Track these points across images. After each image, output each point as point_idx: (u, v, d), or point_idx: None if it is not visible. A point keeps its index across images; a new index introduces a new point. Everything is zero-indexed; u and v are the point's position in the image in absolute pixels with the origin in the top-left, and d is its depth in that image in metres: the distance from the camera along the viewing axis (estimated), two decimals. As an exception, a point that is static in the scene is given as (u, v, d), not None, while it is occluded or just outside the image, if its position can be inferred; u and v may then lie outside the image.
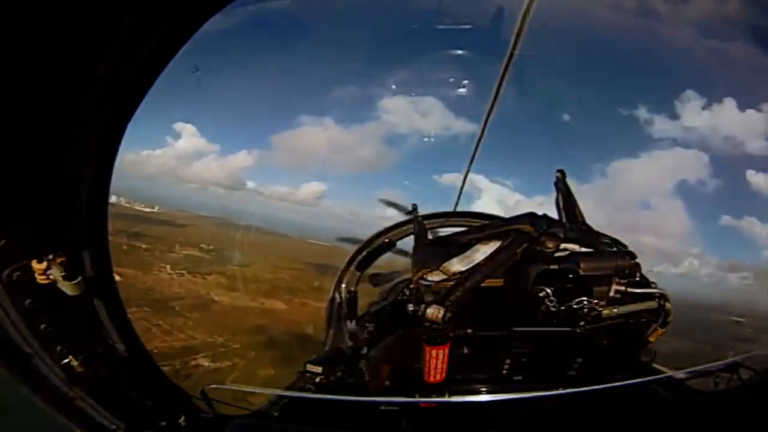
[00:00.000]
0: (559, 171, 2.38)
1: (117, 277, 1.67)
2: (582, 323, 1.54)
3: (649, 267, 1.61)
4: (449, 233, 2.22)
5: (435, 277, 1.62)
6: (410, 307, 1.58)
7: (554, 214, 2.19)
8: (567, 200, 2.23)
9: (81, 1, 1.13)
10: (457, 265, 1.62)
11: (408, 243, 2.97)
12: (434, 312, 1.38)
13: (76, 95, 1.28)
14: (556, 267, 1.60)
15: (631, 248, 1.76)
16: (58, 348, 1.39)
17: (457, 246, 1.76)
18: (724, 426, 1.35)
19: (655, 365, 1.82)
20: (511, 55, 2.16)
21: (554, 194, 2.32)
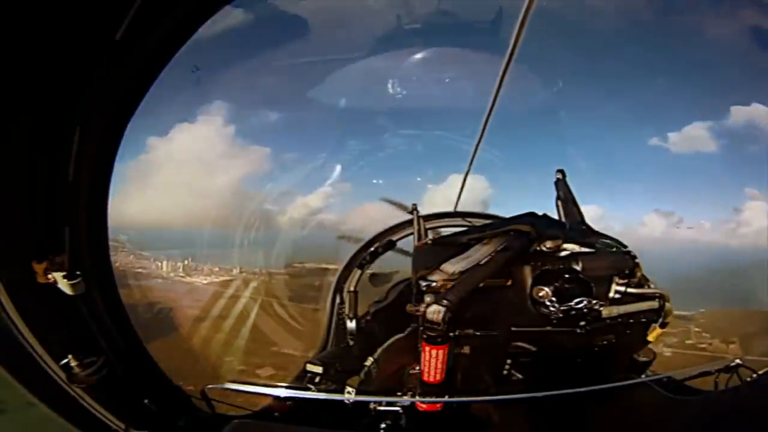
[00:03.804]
0: (559, 171, 2.38)
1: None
2: (582, 323, 1.54)
3: None
4: (449, 233, 2.22)
5: (435, 277, 1.62)
6: (410, 307, 1.58)
7: (554, 214, 2.19)
8: (567, 200, 2.23)
9: (81, 1, 1.12)
10: (457, 265, 1.62)
11: (408, 243, 2.97)
12: (434, 312, 1.38)
13: (76, 95, 1.28)
14: (556, 267, 1.60)
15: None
16: (58, 348, 1.39)
17: (457, 246, 1.76)
18: (724, 426, 1.34)
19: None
20: (511, 55, 2.16)
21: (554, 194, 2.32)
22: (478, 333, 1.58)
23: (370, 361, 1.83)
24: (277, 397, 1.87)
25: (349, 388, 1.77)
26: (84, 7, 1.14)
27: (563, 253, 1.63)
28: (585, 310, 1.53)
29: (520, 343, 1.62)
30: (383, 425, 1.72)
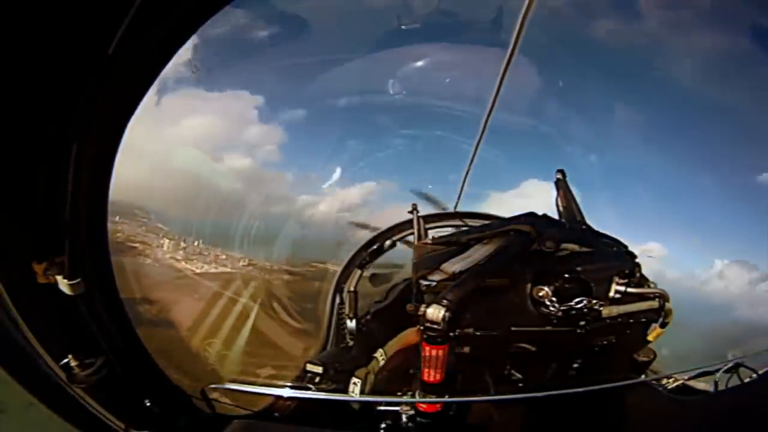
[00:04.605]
0: (559, 171, 2.38)
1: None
2: (582, 323, 1.54)
3: None
4: (449, 233, 2.22)
5: (435, 277, 1.62)
6: (410, 307, 1.58)
7: (554, 214, 2.19)
8: (567, 200, 2.23)
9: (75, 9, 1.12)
10: (457, 265, 1.62)
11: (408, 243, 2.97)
12: (434, 312, 1.38)
13: (76, 94, 1.28)
14: (556, 267, 1.60)
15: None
16: (58, 348, 1.39)
17: (457, 246, 1.76)
18: (725, 426, 1.35)
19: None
20: (511, 55, 2.16)
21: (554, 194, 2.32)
22: (478, 333, 1.58)
23: (379, 352, 1.83)
24: (277, 397, 1.87)
25: (354, 380, 1.76)
26: (84, 4, 1.14)
27: (563, 253, 1.63)
28: (585, 310, 1.53)
29: (520, 343, 1.62)
30: (383, 425, 1.72)
